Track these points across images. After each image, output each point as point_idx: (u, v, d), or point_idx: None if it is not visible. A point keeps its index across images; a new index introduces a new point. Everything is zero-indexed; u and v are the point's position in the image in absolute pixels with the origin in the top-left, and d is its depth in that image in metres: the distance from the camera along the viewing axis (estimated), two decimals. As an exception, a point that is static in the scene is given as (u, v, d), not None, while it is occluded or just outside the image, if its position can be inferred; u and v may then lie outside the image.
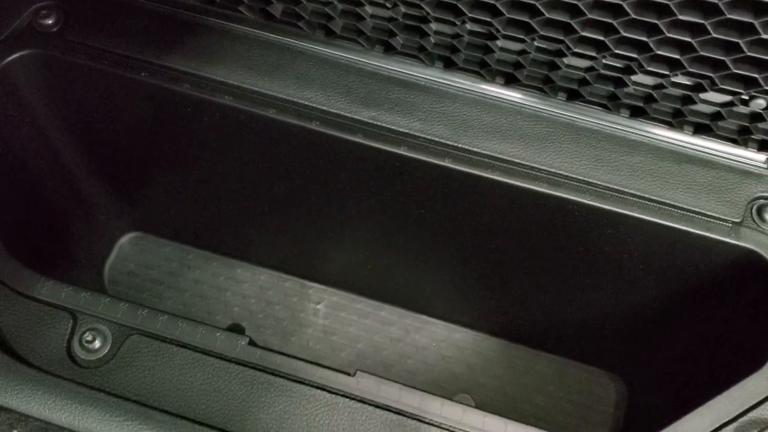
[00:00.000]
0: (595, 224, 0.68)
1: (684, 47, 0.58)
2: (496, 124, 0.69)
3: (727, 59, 0.57)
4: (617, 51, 0.60)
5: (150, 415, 0.54)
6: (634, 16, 0.56)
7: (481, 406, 0.92)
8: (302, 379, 0.57)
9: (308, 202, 0.81)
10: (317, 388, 0.57)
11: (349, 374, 0.58)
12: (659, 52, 0.59)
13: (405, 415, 0.56)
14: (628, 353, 0.87)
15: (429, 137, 0.68)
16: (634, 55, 0.60)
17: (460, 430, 0.56)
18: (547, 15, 0.59)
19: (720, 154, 0.68)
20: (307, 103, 0.69)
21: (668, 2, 0.54)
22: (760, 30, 0.54)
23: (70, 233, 0.91)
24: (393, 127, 0.68)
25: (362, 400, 0.57)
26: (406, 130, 0.68)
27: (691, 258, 0.68)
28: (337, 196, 0.78)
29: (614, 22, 0.58)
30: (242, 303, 0.97)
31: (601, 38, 0.60)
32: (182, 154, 0.81)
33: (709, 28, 0.55)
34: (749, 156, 0.68)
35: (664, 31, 0.57)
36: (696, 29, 0.56)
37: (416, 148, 0.68)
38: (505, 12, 0.61)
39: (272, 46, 0.72)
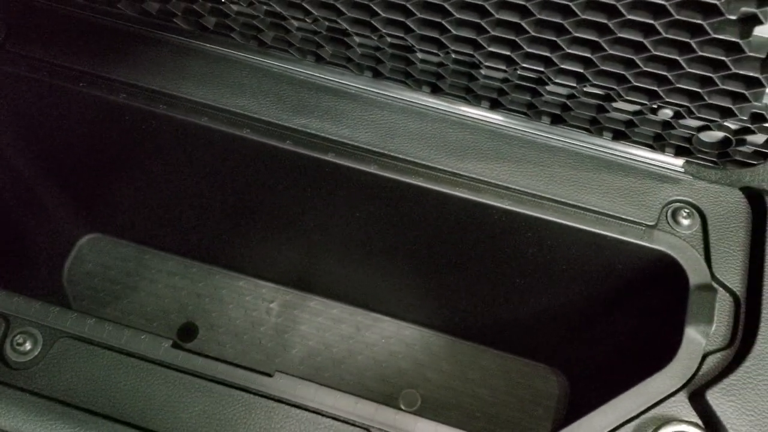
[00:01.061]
0: (516, 228, 0.70)
1: (587, 62, 0.61)
2: (422, 131, 0.71)
3: (626, 73, 0.59)
4: (525, 65, 0.63)
5: (73, 414, 0.57)
6: (534, 34, 0.58)
7: (426, 401, 0.95)
8: (222, 380, 0.60)
9: (251, 204, 0.84)
10: (236, 388, 0.60)
11: (268, 375, 0.60)
12: (564, 66, 0.61)
13: (321, 414, 0.59)
14: (568, 348, 0.90)
15: (356, 144, 0.70)
16: (541, 68, 0.62)
17: (375, 428, 0.59)
18: (455, 32, 0.61)
19: (638, 158, 0.71)
20: (239, 111, 0.71)
21: (566, 24, 0.56)
22: (650, 48, 0.56)
23: (27, 237, 0.94)
24: (322, 134, 0.70)
25: (280, 400, 0.59)
26: (335, 137, 0.70)
27: (609, 259, 0.70)
28: (278, 199, 0.80)
29: (516, 39, 0.60)
30: (196, 302, 0.99)
31: (507, 53, 0.62)
32: (128, 159, 0.83)
33: (604, 45, 0.57)
34: (667, 160, 0.70)
35: (564, 48, 0.59)
36: (594, 46, 0.59)
37: (344, 154, 0.70)
38: (415, 29, 0.63)
39: (207, 56, 0.74)
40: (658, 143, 0.69)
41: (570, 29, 0.57)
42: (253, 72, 0.73)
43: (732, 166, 0.68)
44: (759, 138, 0.64)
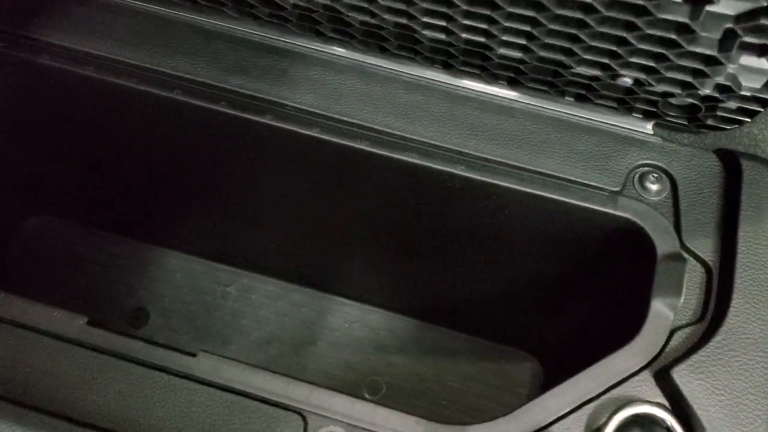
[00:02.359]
0: (471, 196, 0.65)
1: (534, 22, 0.55)
2: (370, 92, 0.66)
3: (574, 47, 0.54)
4: (466, 22, 0.57)
5: (-29, 398, 0.51)
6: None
7: (391, 388, 0.90)
8: (141, 360, 0.54)
9: (198, 178, 0.79)
10: (155, 369, 0.54)
11: (191, 354, 0.55)
12: (508, 24, 0.55)
13: (248, 396, 0.54)
14: (538, 330, 0.84)
15: (297, 105, 0.65)
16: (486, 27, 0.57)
17: (308, 410, 0.53)
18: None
19: (603, 121, 0.65)
20: (169, 71, 0.66)
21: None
22: (592, 24, 0.51)
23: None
24: (259, 95, 0.65)
25: (203, 381, 0.54)
26: (274, 98, 0.65)
27: (572, 228, 0.65)
28: (220, 169, 0.75)
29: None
30: (148, 286, 0.94)
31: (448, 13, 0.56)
32: (72, 134, 0.78)
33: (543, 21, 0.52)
34: (634, 123, 0.65)
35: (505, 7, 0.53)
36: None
37: (283, 117, 0.65)
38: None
39: (137, 14, 0.69)
40: (623, 106, 0.63)
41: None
42: (185, 30, 0.68)
43: (705, 130, 0.63)
44: (731, 104, 0.58)
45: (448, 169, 0.63)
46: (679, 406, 0.53)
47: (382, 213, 0.72)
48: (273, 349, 0.92)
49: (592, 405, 0.54)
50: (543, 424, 0.53)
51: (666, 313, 0.57)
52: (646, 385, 0.54)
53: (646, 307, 0.58)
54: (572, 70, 0.59)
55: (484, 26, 0.56)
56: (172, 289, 0.94)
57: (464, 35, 0.58)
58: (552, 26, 0.54)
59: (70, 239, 0.95)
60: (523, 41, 0.57)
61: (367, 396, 0.89)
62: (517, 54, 0.58)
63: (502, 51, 0.59)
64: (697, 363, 0.54)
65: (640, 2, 0.48)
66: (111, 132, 0.74)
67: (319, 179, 0.69)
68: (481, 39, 0.58)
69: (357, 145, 0.64)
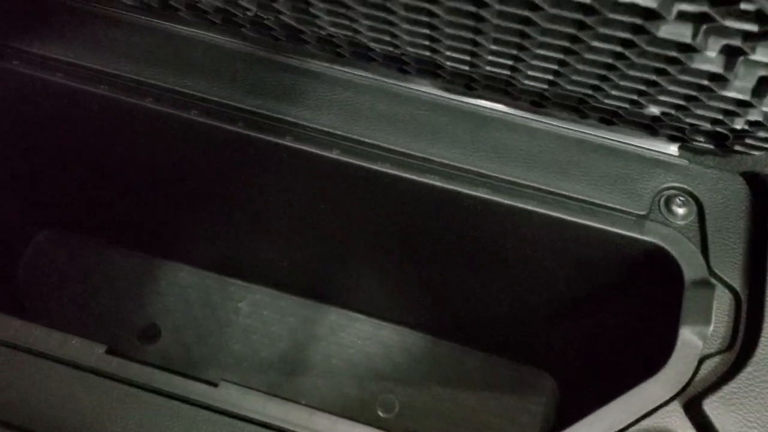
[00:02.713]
0: (494, 218, 0.63)
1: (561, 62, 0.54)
2: (390, 113, 0.65)
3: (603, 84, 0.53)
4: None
5: (-11, 429, 0.50)
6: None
7: (405, 406, 0.89)
8: (161, 390, 0.53)
9: (214, 195, 0.78)
10: (177, 399, 0.53)
11: (213, 384, 0.54)
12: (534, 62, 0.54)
13: (270, 427, 0.53)
14: (557, 349, 0.83)
15: (317, 126, 0.64)
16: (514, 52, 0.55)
17: (330, 441, 0.52)
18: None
19: (628, 143, 0.64)
20: (186, 90, 0.65)
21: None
22: (622, 68, 0.50)
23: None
24: (279, 116, 0.64)
25: (224, 412, 0.53)
26: (293, 119, 0.64)
27: (597, 253, 0.64)
28: (239, 189, 0.74)
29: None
30: (159, 301, 0.93)
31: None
32: (78, 149, 0.77)
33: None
34: (660, 145, 0.64)
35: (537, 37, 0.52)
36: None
37: (303, 138, 0.63)
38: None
39: (155, 32, 0.67)
40: (648, 130, 0.62)
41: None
42: (204, 49, 0.67)
43: (732, 154, 0.62)
44: (761, 134, 0.57)
45: (470, 192, 0.62)
46: None
47: (400, 233, 0.71)
48: (286, 367, 0.90)
49: (620, 437, 0.53)
50: (571, 457, 0.52)
51: (695, 342, 0.56)
52: (676, 416, 0.53)
53: (674, 334, 0.57)
54: (597, 103, 0.58)
55: (509, 63, 0.55)
56: (182, 305, 0.93)
57: (488, 68, 0.57)
58: (579, 66, 0.52)
59: (80, 253, 0.94)
60: (549, 76, 0.55)
61: (381, 414, 0.88)
62: (542, 86, 0.57)
63: (527, 83, 0.57)
64: (728, 394, 0.53)
65: (673, 54, 0.47)
66: (124, 149, 0.73)
67: (337, 199, 0.68)
68: (506, 72, 0.56)
69: (377, 167, 0.63)
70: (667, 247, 0.60)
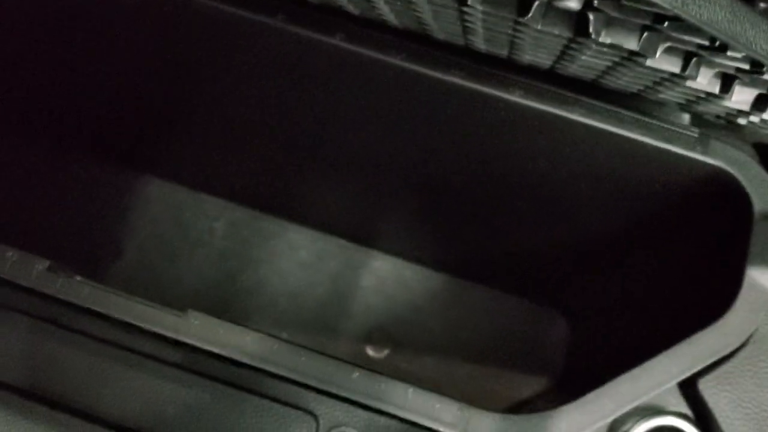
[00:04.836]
0: (526, 130, 0.53)
1: None
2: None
3: None
4: None
5: None
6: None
7: (397, 343, 0.79)
8: (113, 317, 0.43)
9: (192, 95, 0.66)
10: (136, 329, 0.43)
11: (177, 315, 0.43)
12: None
13: (241, 365, 0.43)
14: (574, 289, 0.74)
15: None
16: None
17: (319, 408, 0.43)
18: None
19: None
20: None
21: None
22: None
23: None
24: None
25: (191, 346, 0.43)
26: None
27: (646, 177, 0.53)
28: (220, 87, 0.62)
29: None
30: (122, 218, 0.81)
31: None
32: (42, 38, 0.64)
33: None
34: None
35: None
36: None
37: (298, 20, 0.52)
38: None
39: None
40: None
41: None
42: None
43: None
44: None
45: (501, 94, 0.51)
46: (703, 417, 0.45)
47: (418, 147, 0.60)
48: (264, 295, 0.81)
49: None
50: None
51: (765, 286, 0.46)
52: (671, 394, 0.46)
53: (739, 276, 0.47)
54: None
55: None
56: (149, 222, 0.82)
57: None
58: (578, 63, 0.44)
59: (36, 163, 0.82)
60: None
61: (370, 353, 0.79)
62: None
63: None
64: (724, 374, 0.46)
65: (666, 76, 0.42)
66: (93, 38, 0.60)
67: (344, 99, 0.57)
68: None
69: (393, 60, 0.51)
70: (733, 171, 0.50)
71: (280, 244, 0.82)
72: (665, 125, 0.51)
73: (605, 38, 0.39)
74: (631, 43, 0.39)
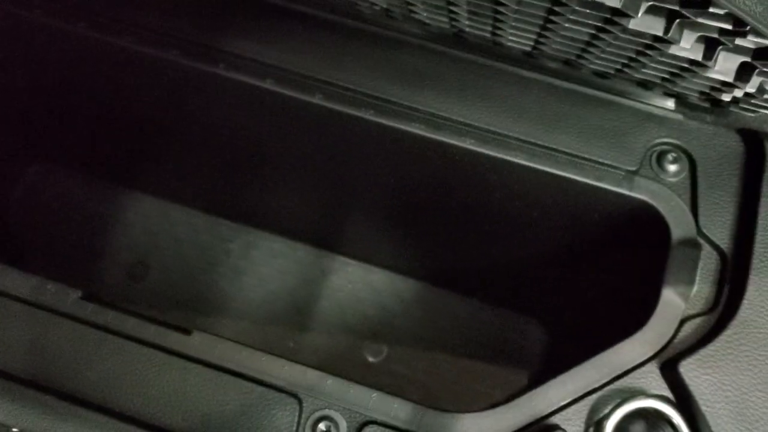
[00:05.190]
0: (480, 170, 0.62)
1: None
2: (374, 57, 0.62)
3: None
4: None
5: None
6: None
7: (393, 350, 0.89)
8: (135, 337, 0.53)
9: (207, 134, 0.76)
10: (149, 346, 0.53)
11: (186, 332, 0.54)
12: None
13: (242, 377, 0.53)
14: (546, 298, 0.82)
15: (299, 71, 0.62)
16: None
17: (304, 393, 0.52)
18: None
19: (622, 95, 0.62)
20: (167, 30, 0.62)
21: None
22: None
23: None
24: (258, 58, 0.62)
25: (197, 360, 0.53)
26: (275, 62, 0.62)
27: (585, 207, 0.62)
28: (231, 130, 0.72)
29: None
30: (149, 239, 0.92)
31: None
32: (77, 87, 0.75)
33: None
34: (656, 100, 0.61)
35: None
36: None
37: (284, 81, 0.62)
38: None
39: None
40: (642, 86, 0.60)
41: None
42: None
43: (729, 111, 0.59)
44: (757, 101, 0.54)
45: (456, 143, 0.60)
46: (684, 400, 0.52)
47: (386, 180, 0.70)
48: (274, 308, 0.91)
49: (596, 396, 0.52)
50: (543, 414, 0.52)
51: (677, 302, 0.55)
52: (651, 377, 0.53)
53: (657, 294, 0.56)
54: (586, 63, 0.55)
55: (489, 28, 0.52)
56: (172, 243, 0.92)
57: (468, 27, 0.54)
58: (558, 39, 0.50)
59: (69, 188, 0.93)
60: (531, 42, 0.53)
61: (368, 358, 0.89)
62: (526, 47, 0.55)
63: (511, 45, 0.55)
64: (705, 357, 0.52)
65: (648, 42, 0.45)
66: (117, 85, 0.71)
67: (323, 143, 0.67)
68: (488, 30, 0.54)
69: (361, 114, 0.61)
70: (655, 204, 0.58)
71: (288, 263, 0.92)
72: (596, 165, 0.59)
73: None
74: (613, 0, 0.40)
